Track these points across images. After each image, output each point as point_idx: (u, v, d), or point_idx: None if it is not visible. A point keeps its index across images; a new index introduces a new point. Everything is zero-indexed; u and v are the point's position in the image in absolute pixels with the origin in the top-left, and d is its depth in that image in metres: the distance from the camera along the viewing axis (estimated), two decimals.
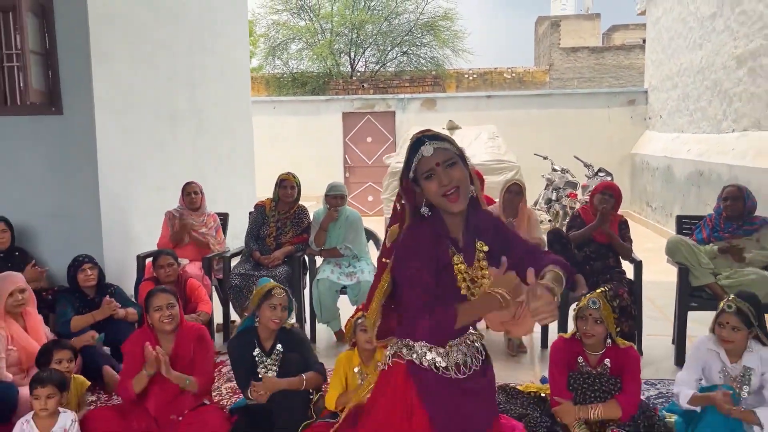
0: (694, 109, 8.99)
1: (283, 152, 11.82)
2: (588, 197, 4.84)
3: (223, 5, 6.99)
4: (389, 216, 6.90)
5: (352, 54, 21.79)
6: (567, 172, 9.93)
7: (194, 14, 6.25)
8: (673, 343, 4.35)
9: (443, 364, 1.85)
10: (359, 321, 3.13)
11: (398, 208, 1.87)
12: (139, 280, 4.67)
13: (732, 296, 2.98)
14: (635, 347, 3.31)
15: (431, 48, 22.48)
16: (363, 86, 16.67)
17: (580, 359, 3.00)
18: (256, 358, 3.21)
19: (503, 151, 8.09)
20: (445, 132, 8.76)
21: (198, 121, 6.29)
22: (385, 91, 15.55)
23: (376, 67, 21.91)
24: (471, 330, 1.97)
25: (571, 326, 3.48)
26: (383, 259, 1.89)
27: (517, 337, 4.40)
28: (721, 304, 2.97)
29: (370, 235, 5.13)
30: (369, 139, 12.34)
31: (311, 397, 3.15)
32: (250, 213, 5.15)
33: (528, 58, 29.63)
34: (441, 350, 1.86)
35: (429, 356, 1.85)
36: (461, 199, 1.81)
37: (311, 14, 22.08)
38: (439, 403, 1.84)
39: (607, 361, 2.98)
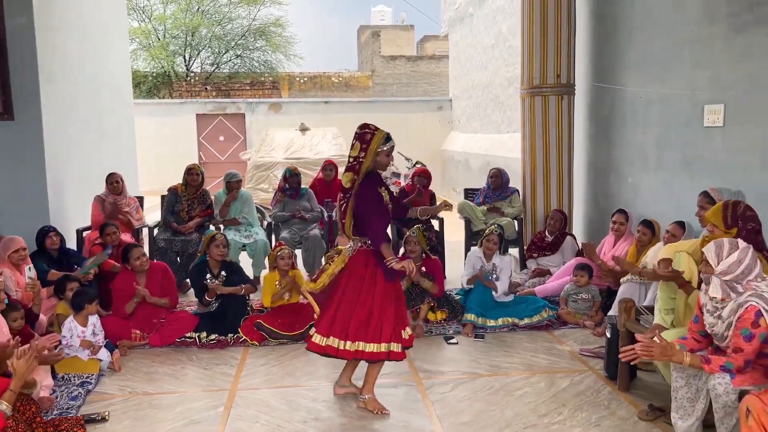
0: (483, 115, 11.86)
1: (141, 150, 12.93)
2: (409, 182, 7.17)
3: (111, 20, 8.32)
4: (256, 202, 8.55)
5: (187, 56, 22.72)
6: (392, 164, 12.40)
7: (97, 35, 7.62)
8: None
9: None
10: (279, 254, 5.04)
11: (356, 165, 3.44)
12: (80, 247, 6.13)
13: (495, 225, 5.39)
14: (439, 261, 5.56)
15: (264, 52, 24.08)
16: (206, 89, 17.99)
17: None
18: (208, 281, 5.00)
19: (344, 148, 10.28)
20: (298, 132, 10.77)
21: (98, 124, 7.65)
22: (227, 93, 17.07)
23: (211, 69, 23.03)
24: None
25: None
26: (345, 195, 3.53)
27: None
28: (488, 230, 5.32)
29: (257, 209, 7.02)
30: (221, 138, 13.90)
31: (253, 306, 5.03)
32: (163, 196, 6.76)
33: (353, 62, 31.96)
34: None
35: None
36: None
37: (144, 16, 22.63)
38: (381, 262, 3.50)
39: (423, 268, 5.20)
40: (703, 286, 2.94)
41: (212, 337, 4.72)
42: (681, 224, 4.67)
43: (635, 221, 5.49)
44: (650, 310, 3.75)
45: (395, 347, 3.50)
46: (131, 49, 22.02)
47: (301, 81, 24.16)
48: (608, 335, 3.97)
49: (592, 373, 4.10)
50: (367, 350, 3.50)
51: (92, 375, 4.08)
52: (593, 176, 6.77)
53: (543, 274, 6.08)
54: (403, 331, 3.63)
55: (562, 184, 6.59)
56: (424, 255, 5.24)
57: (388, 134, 3.55)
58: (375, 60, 28.50)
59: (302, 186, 6.89)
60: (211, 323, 4.83)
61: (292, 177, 6.79)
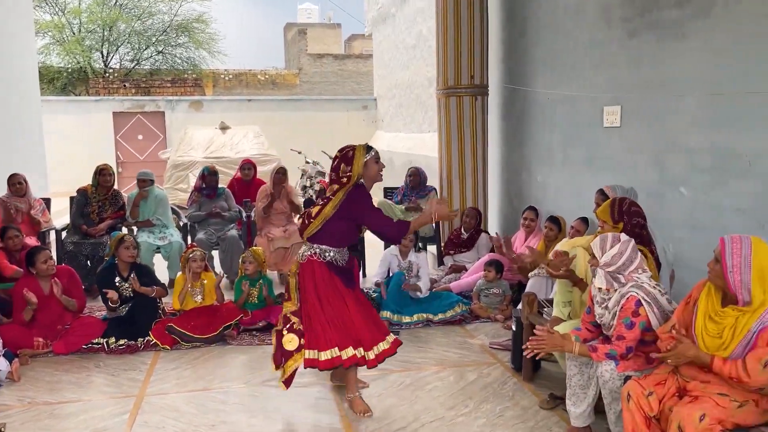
0: (406, 114, 12.00)
1: (54, 148, 12.40)
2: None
3: (14, 14, 7.94)
4: (173, 203, 8.28)
5: (105, 51, 21.89)
6: (317, 164, 12.33)
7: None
8: None
9: (336, 258, 3.49)
10: (190, 256, 4.95)
11: (344, 179, 3.40)
12: None
13: None
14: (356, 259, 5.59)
15: (187, 48, 23.49)
16: (125, 86, 17.39)
17: None
18: (117, 284, 4.85)
19: (266, 147, 10.19)
20: (218, 131, 10.59)
21: (2, 123, 7.30)
22: (147, 91, 16.60)
23: (131, 65, 22.27)
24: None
25: None
26: (319, 201, 3.56)
27: (286, 272, 6.51)
28: None
29: (173, 209, 6.87)
30: (140, 137, 13.49)
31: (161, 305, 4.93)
32: (72, 197, 6.51)
33: (279, 60, 31.67)
34: (337, 251, 3.48)
35: (330, 254, 3.47)
36: None
37: (56, 9, 21.63)
38: (337, 272, 3.48)
39: None
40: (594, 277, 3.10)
41: (121, 342, 4.59)
42: (584, 220, 4.90)
43: (544, 218, 5.72)
44: (552, 303, 3.91)
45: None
46: (43, 43, 21.09)
47: (226, 78, 23.71)
48: (513, 328, 4.12)
49: (499, 365, 4.25)
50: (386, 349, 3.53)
51: None
52: (506, 175, 6.98)
53: (459, 270, 6.22)
54: None
55: (477, 183, 6.77)
56: None
57: (367, 144, 3.54)
58: (302, 58, 28.28)
59: (220, 186, 6.79)
60: (120, 328, 4.69)
61: (210, 175, 6.67)
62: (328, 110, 14.32)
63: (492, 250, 6.33)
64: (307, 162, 12.25)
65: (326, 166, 12.64)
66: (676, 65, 4.17)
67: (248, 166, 7.21)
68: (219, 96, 17.55)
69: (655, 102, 4.39)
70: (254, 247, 5.51)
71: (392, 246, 5.50)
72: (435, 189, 7.01)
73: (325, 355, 3.40)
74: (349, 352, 3.43)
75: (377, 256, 6.69)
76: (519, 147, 6.61)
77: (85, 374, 4.20)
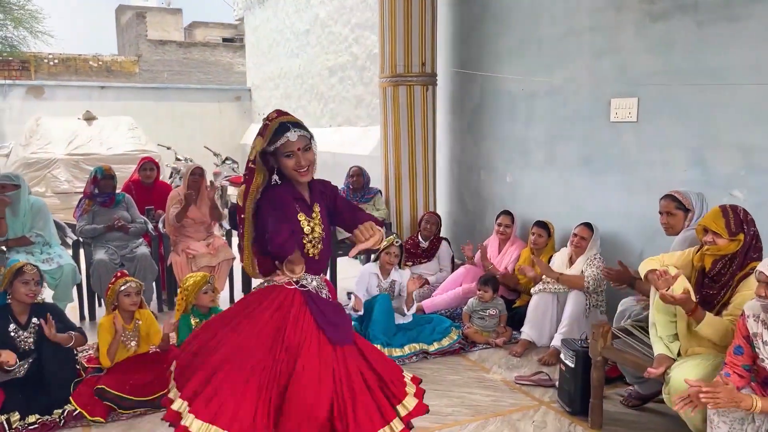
0: (296, 107, 10.89)
1: None
2: (220, 183, 6.17)
3: None
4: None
5: None
6: (190, 161, 10.78)
7: None
8: None
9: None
10: (122, 289, 3.62)
11: (246, 174, 2.35)
12: None
13: (393, 234, 4.60)
14: None
15: (2, 27, 20.18)
16: None
17: None
18: (12, 333, 3.41)
19: (144, 141, 8.59)
20: (82, 122, 8.77)
21: None
22: None
23: None
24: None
25: None
26: (240, 215, 2.36)
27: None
28: (386, 241, 4.43)
29: (56, 223, 5.29)
30: None
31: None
32: None
33: (111, 45, 28.92)
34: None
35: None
36: (309, 173, 2.36)
37: None
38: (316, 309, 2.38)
39: None
40: (750, 310, 2.47)
41: (31, 419, 3.20)
42: (588, 226, 4.35)
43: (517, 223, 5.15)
44: (625, 332, 3.26)
45: None
46: None
47: (51, 63, 20.79)
48: (570, 364, 3.40)
49: (545, 407, 3.52)
50: None
51: None
52: (458, 173, 6.28)
53: (421, 284, 5.42)
54: None
55: (428, 183, 6.01)
56: None
57: (286, 121, 2.36)
58: (141, 44, 25.75)
59: (118, 191, 5.36)
60: (23, 397, 3.29)
61: (104, 179, 5.21)
62: (196, 100, 12.72)
63: (453, 260, 5.68)
64: (178, 159, 10.68)
65: (207, 162, 11.09)
66: (724, 53, 3.71)
67: (149, 165, 5.81)
68: (66, 81, 14.97)
69: (690, 94, 3.91)
70: (195, 273, 4.26)
71: (370, 264, 4.57)
72: (380, 191, 6.13)
73: None
74: None
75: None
76: (476, 143, 5.94)
77: None
